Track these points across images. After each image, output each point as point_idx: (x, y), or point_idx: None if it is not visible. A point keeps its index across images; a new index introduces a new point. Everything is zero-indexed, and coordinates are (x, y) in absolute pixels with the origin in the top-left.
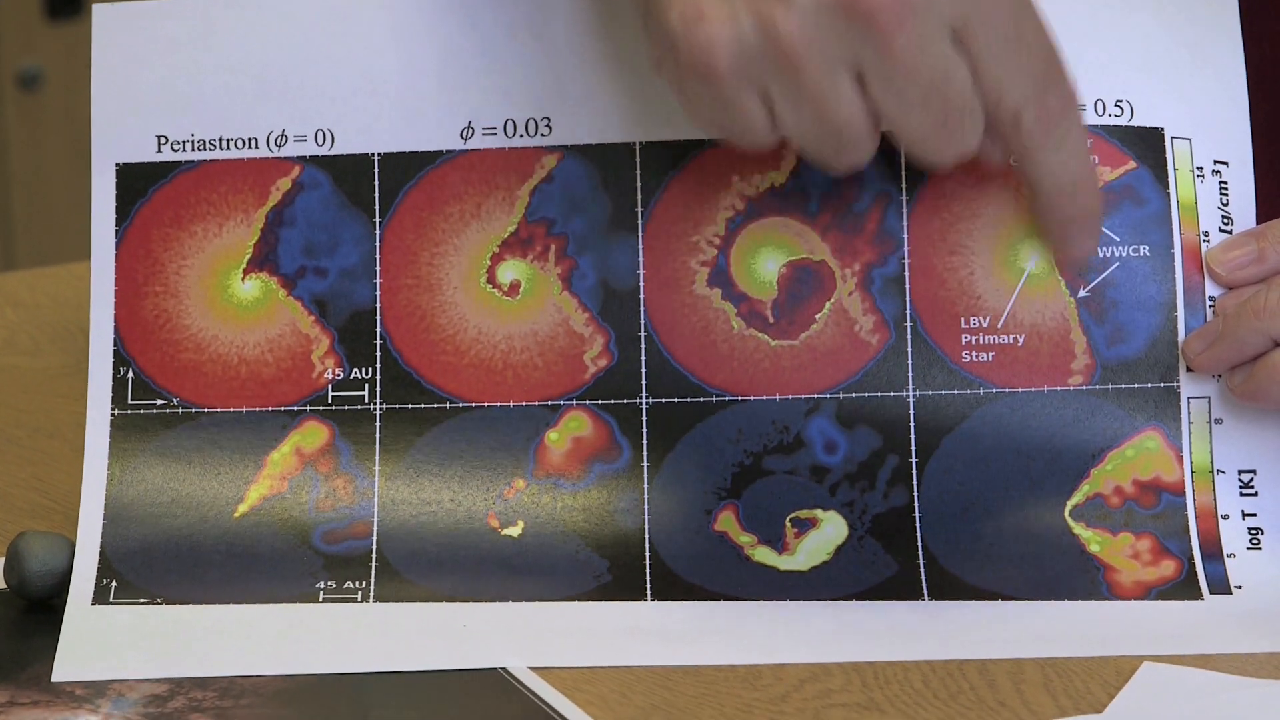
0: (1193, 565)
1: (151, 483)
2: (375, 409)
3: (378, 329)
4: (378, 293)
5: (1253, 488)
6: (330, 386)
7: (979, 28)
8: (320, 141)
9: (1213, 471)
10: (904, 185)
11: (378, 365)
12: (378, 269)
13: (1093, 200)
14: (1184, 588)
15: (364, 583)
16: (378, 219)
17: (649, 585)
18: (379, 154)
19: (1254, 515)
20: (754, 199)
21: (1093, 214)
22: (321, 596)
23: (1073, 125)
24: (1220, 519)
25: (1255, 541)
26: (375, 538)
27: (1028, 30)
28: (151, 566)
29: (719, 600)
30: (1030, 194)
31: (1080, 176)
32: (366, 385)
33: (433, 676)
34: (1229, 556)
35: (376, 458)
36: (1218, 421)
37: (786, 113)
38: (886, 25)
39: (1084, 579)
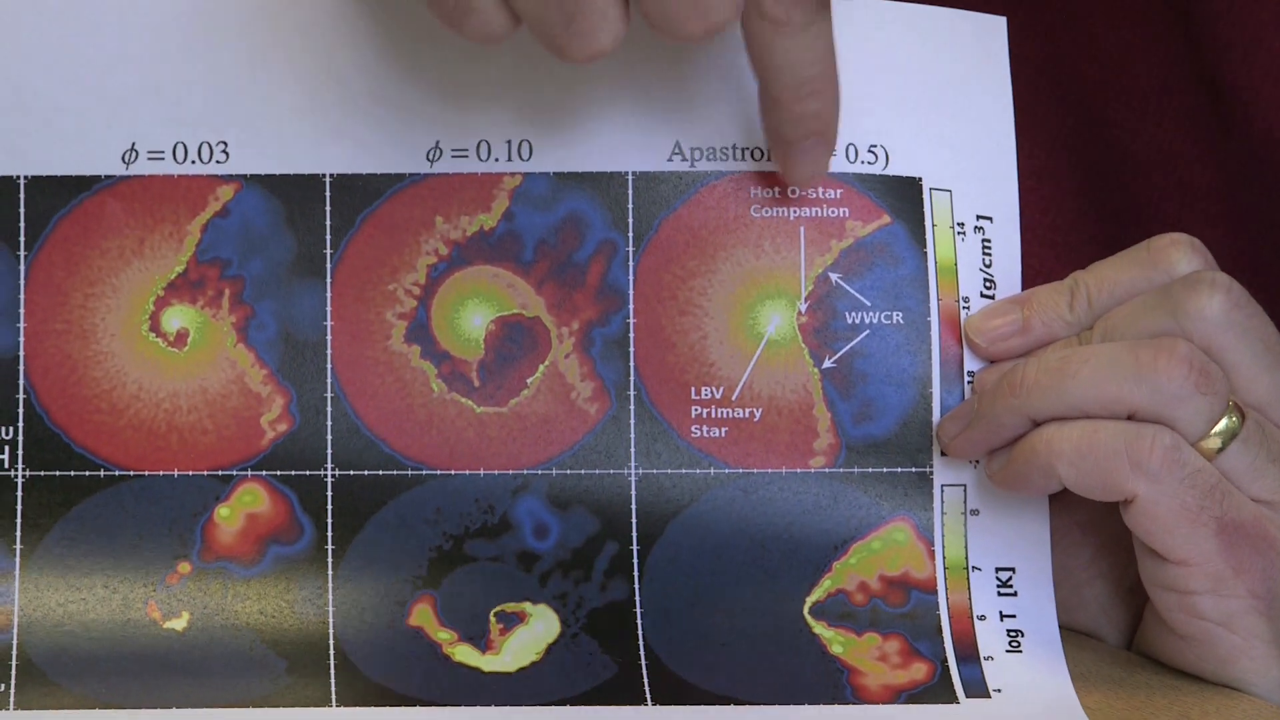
0: (946, 668)
1: None
2: (16, 475)
3: (20, 381)
4: (20, 339)
5: (1011, 586)
6: None
7: None
8: None
9: (968, 568)
10: (631, 234)
11: (19, 424)
12: (21, 311)
13: (830, 106)
14: (937, 691)
15: (4, 686)
16: (22, 252)
17: (334, 688)
18: (26, 177)
19: (1013, 616)
20: (460, 243)
21: (827, 122)
22: None
23: (819, 14)
24: (976, 619)
25: (1015, 644)
26: (15, 631)
27: None
28: None
29: (414, 705)
30: (762, 92)
31: (822, 74)
32: (6, 447)
33: None
34: (986, 659)
35: (18, 534)
36: (974, 513)
37: None
38: None
39: (826, 682)
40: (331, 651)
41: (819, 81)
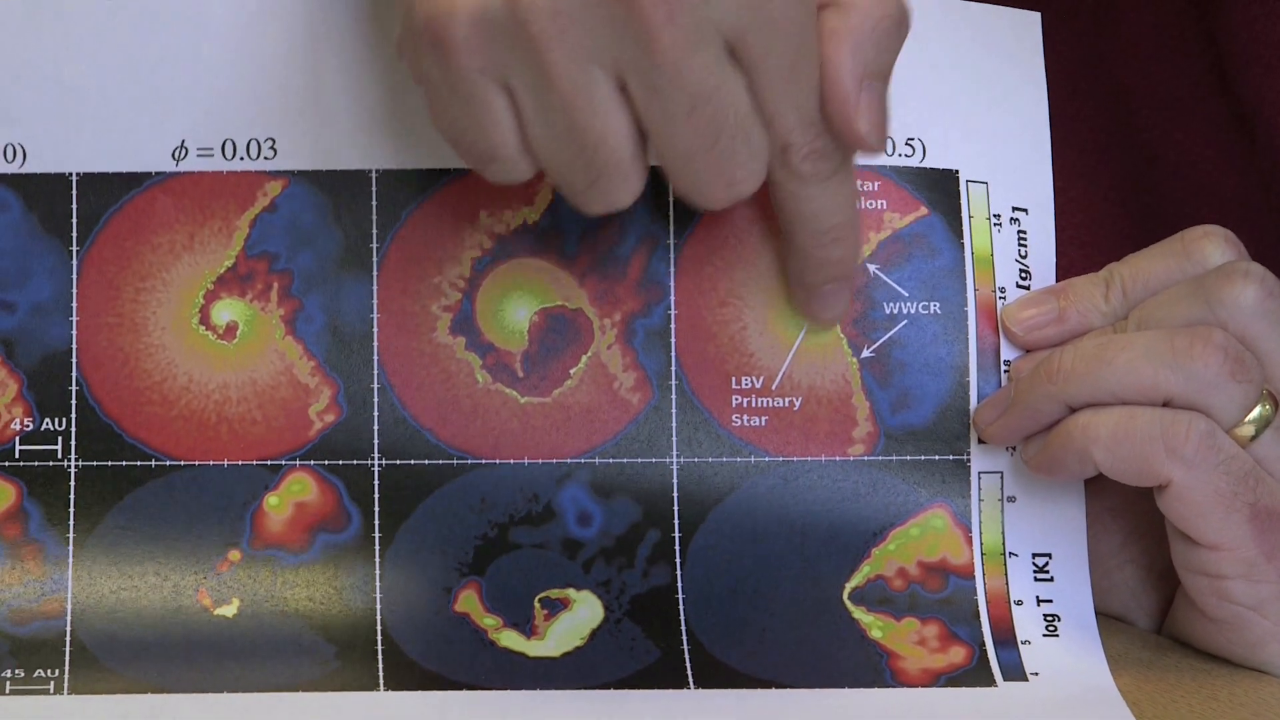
0: (984, 652)
1: None
2: (69, 466)
3: (73, 374)
4: (74, 332)
5: (1047, 572)
6: (18, 439)
7: (756, 42)
8: (10, 158)
9: (1005, 554)
10: (672, 227)
11: (72, 416)
12: (74, 305)
13: (851, 252)
14: (975, 674)
15: (57, 671)
16: (75, 248)
17: (381, 673)
18: (77, 174)
19: (1049, 601)
20: (504, 237)
21: (848, 268)
22: (8, 688)
23: (842, 167)
24: (1013, 604)
25: (1052, 629)
26: (69, 618)
27: (808, 57)
28: None
29: (460, 689)
30: (786, 238)
31: (845, 223)
32: (59, 438)
33: None
34: (1024, 643)
35: (71, 523)
36: (1010, 499)
37: (534, 119)
38: (651, 14)
39: (866, 666)
40: (379, 637)
41: (842, 229)
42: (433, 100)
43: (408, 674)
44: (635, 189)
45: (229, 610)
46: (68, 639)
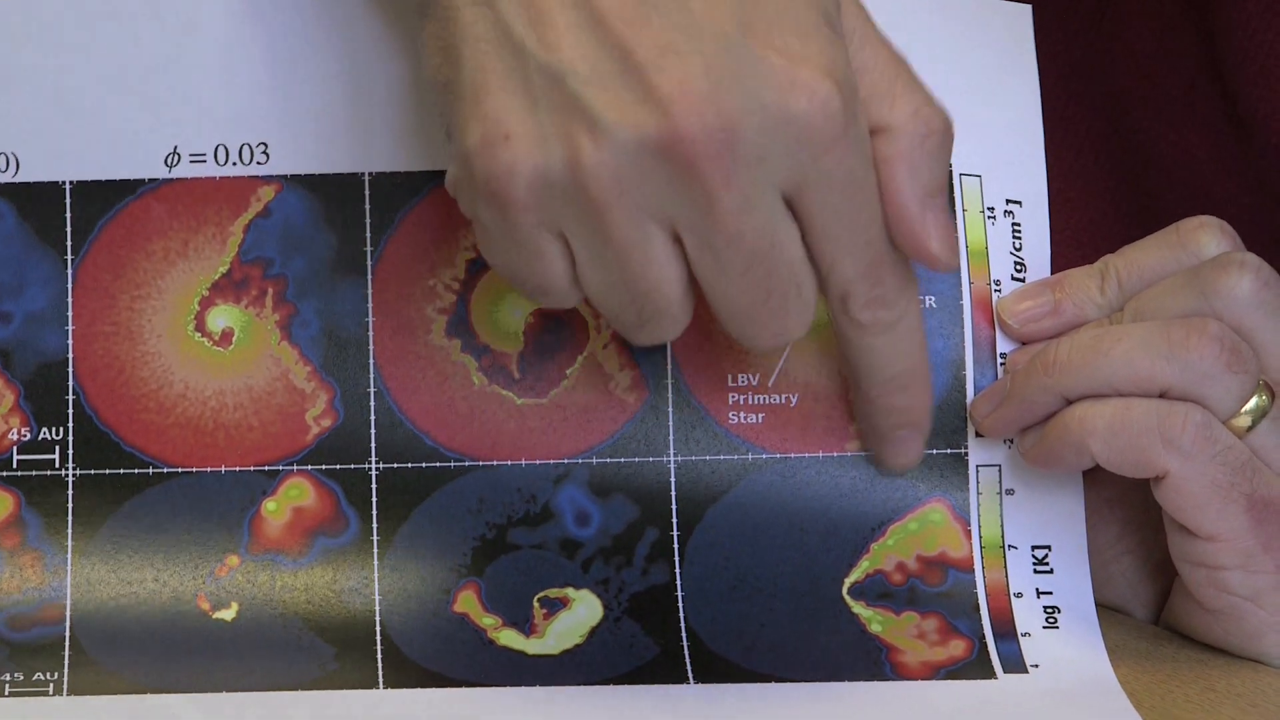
0: (984, 644)
1: None
2: (67, 475)
3: (70, 383)
4: (69, 341)
5: (1047, 564)
6: (15, 449)
7: (815, 193)
8: (3, 167)
9: (1004, 547)
10: None
11: (69, 424)
12: (69, 314)
13: (921, 399)
14: (975, 667)
15: (56, 674)
16: (69, 256)
17: (381, 673)
18: (70, 183)
19: (1049, 594)
20: None
21: (918, 415)
22: (7, 690)
23: (906, 311)
24: (1013, 597)
25: (1052, 620)
26: (69, 623)
27: (868, 203)
28: None
29: (460, 687)
30: (853, 384)
31: (911, 369)
32: (57, 447)
33: None
34: (1024, 635)
35: (69, 531)
36: (1009, 492)
37: (588, 266)
38: (710, 177)
39: (865, 660)
40: (379, 637)
41: (908, 377)
42: (484, 239)
43: (407, 673)
44: (682, 327)
45: (228, 614)
46: (67, 643)
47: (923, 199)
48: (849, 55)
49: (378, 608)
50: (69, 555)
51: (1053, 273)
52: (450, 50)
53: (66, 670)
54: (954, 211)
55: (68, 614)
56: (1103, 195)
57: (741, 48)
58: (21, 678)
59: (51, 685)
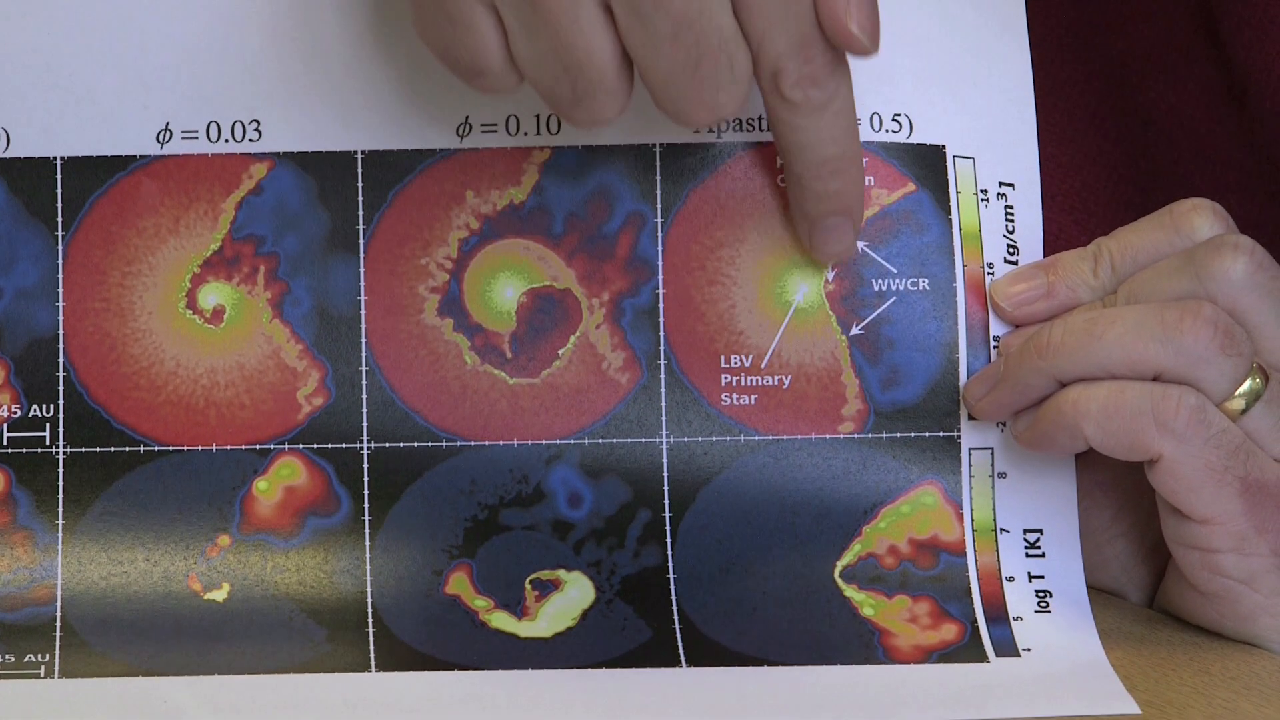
0: (976, 628)
1: None
2: (58, 452)
3: (60, 360)
4: (60, 317)
5: (1039, 548)
6: (5, 426)
7: None
8: None
9: (996, 530)
10: (660, 205)
11: (60, 402)
12: (60, 291)
13: (854, 184)
14: (968, 651)
15: (48, 656)
16: (60, 232)
17: (373, 654)
18: (61, 158)
19: (1041, 577)
20: (491, 217)
21: (850, 201)
22: None
23: (839, 90)
24: (1005, 581)
25: (1044, 604)
26: (59, 604)
27: None
28: None
29: (452, 670)
30: (785, 168)
31: (842, 152)
32: (47, 425)
33: None
34: (1015, 619)
35: (60, 510)
36: (1001, 476)
37: (519, 37)
38: None
39: (857, 643)
40: (370, 619)
41: (841, 160)
42: (418, 14)
43: (399, 655)
44: (620, 106)
45: (219, 595)
46: (58, 624)
47: None
48: None
49: (369, 589)
50: (59, 534)
51: (1046, 255)
52: None
53: (58, 652)
54: (947, 193)
55: (58, 594)
56: (1097, 159)
57: None
58: (13, 659)
59: (43, 668)
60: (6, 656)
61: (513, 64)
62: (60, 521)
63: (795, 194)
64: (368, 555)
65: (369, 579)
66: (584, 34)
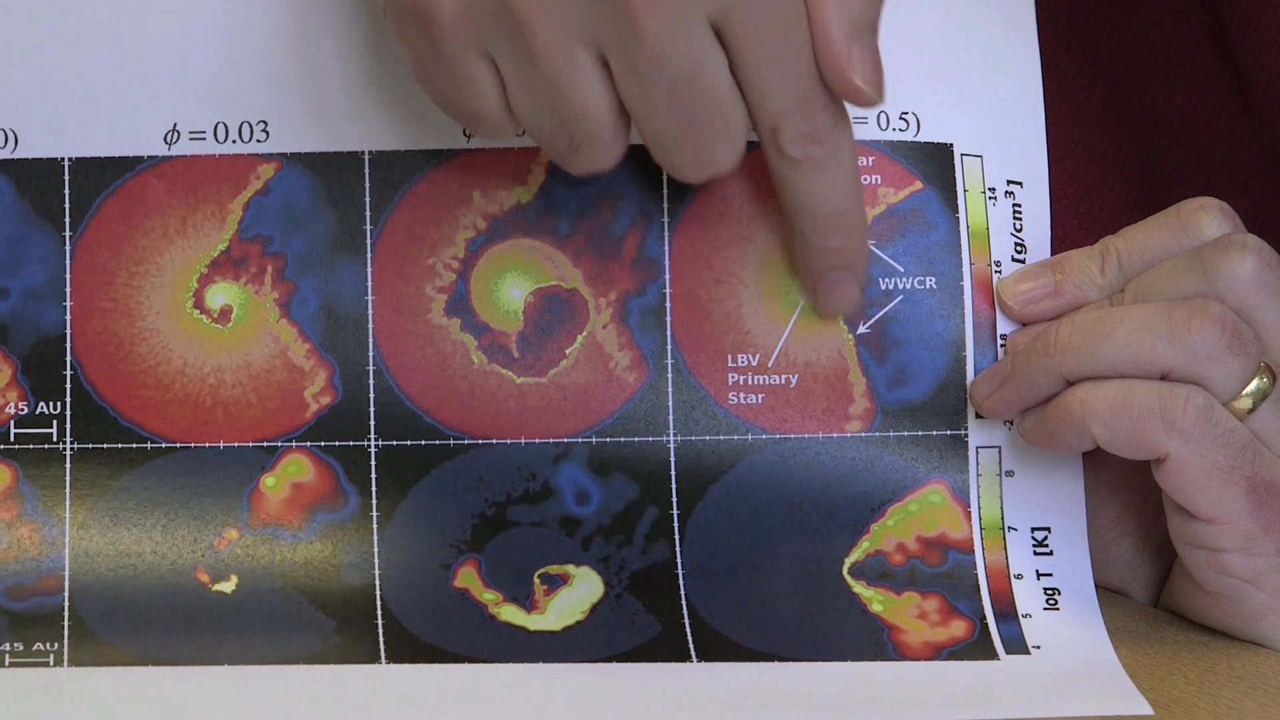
0: (985, 626)
1: None
2: (65, 449)
3: (67, 358)
4: (68, 317)
5: (1047, 546)
6: (12, 423)
7: (742, 23)
8: (1, 143)
9: (1004, 528)
10: (666, 205)
11: (67, 399)
12: (68, 290)
13: (856, 240)
14: (977, 648)
15: (56, 644)
16: (68, 233)
17: (383, 646)
18: (69, 159)
19: (1049, 575)
20: (498, 218)
21: (855, 256)
22: (7, 660)
23: (840, 147)
24: (1013, 578)
25: (1052, 602)
26: (67, 594)
27: (797, 35)
28: None
29: (462, 663)
30: (787, 223)
31: (844, 209)
32: (55, 421)
33: None
34: (1024, 617)
35: (67, 503)
36: (1009, 474)
37: (518, 90)
38: (635, 1)
39: (867, 640)
40: (379, 611)
41: (843, 216)
42: (418, 66)
43: (408, 647)
44: (616, 155)
45: (227, 586)
46: (66, 613)
47: (850, 31)
48: None
49: (378, 582)
50: (67, 527)
51: (1053, 253)
52: None
53: (66, 641)
54: (955, 191)
55: (66, 585)
56: (1103, 164)
57: None
58: (21, 648)
59: (52, 656)
60: (15, 645)
61: (511, 113)
62: (68, 515)
63: (798, 249)
64: (376, 549)
65: (378, 572)
66: (581, 89)
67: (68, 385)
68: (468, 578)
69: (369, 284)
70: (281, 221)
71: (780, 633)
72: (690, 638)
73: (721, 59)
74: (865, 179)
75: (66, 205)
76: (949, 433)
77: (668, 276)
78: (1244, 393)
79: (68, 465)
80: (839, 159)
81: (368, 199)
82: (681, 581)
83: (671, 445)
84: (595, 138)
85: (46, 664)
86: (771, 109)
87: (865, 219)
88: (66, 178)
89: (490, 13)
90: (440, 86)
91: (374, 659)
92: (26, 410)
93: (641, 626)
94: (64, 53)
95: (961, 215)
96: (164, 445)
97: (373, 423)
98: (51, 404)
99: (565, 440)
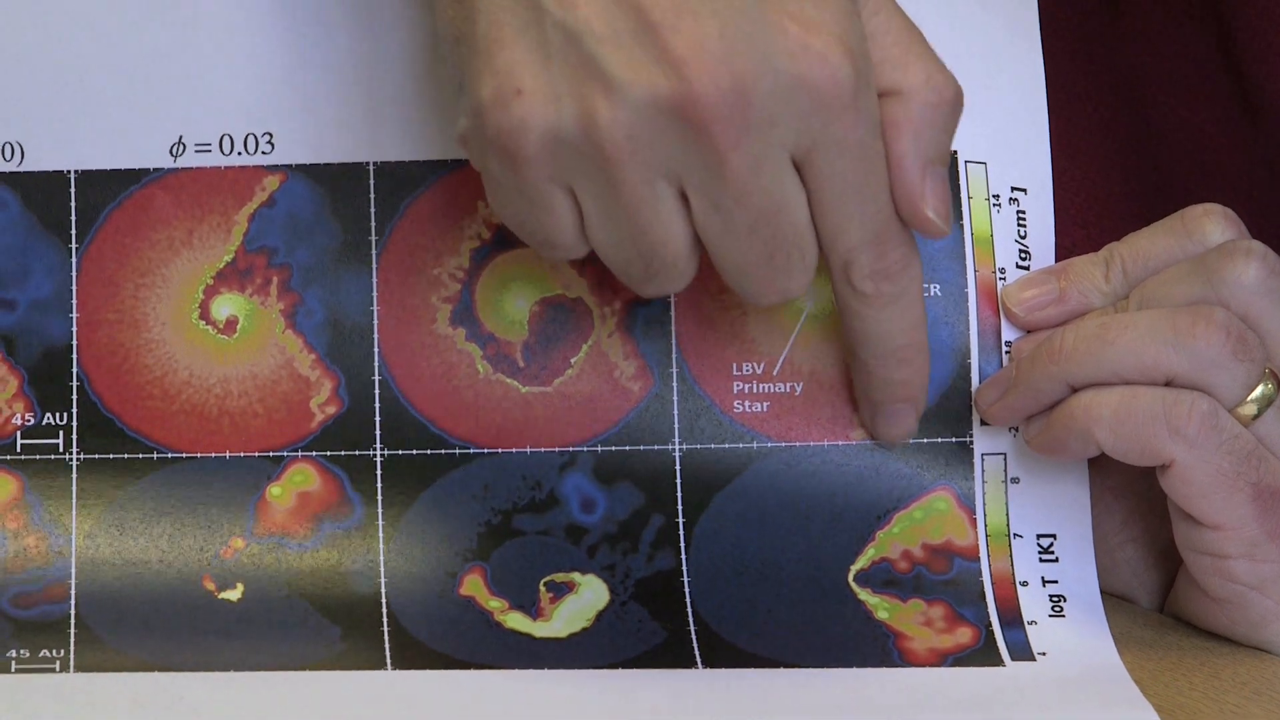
0: (991, 632)
1: None
2: (71, 459)
3: (74, 369)
4: (74, 328)
5: (1053, 553)
6: (19, 434)
7: (825, 161)
8: (8, 156)
9: (1009, 535)
10: None
11: (74, 410)
12: (74, 302)
13: (919, 375)
14: (983, 655)
15: (62, 651)
16: (74, 245)
17: (389, 653)
18: (76, 172)
19: (1055, 582)
20: (502, 227)
21: (916, 390)
22: (14, 667)
23: (911, 283)
24: (1019, 585)
25: (1058, 609)
26: (74, 601)
27: (877, 173)
28: None
29: (468, 669)
30: (851, 355)
31: (911, 344)
32: (61, 432)
33: None
34: (1030, 623)
35: (73, 513)
36: (1014, 481)
37: (596, 221)
38: (720, 138)
39: (873, 646)
40: (385, 618)
41: (908, 350)
42: (493, 192)
43: (415, 654)
44: (687, 280)
45: (233, 594)
46: (72, 620)
47: (924, 165)
48: (862, 22)
49: (384, 589)
50: (73, 536)
51: (1057, 260)
52: (465, 3)
53: (72, 647)
54: (958, 198)
55: (72, 593)
56: (1107, 174)
57: (756, 11)
58: (28, 654)
59: (58, 662)
60: (21, 651)
61: (584, 238)
62: (74, 524)
63: (860, 379)
64: (381, 557)
65: (383, 579)
66: (661, 222)
67: (74, 396)
68: (473, 585)
69: (374, 294)
70: (287, 233)
71: (786, 639)
72: (696, 644)
73: (802, 195)
74: None
75: (73, 217)
76: (954, 439)
77: None
78: (1249, 399)
79: (74, 475)
80: (909, 295)
81: (372, 210)
82: (687, 589)
83: (677, 453)
84: (671, 266)
85: (53, 670)
86: (846, 244)
87: (929, 354)
88: (73, 190)
89: (576, 150)
90: (517, 213)
91: (380, 665)
92: (33, 421)
93: (647, 633)
94: (70, 66)
95: (966, 222)
96: (170, 455)
97: (378, 432)
98: (58, 415)
99: (571, 449)
